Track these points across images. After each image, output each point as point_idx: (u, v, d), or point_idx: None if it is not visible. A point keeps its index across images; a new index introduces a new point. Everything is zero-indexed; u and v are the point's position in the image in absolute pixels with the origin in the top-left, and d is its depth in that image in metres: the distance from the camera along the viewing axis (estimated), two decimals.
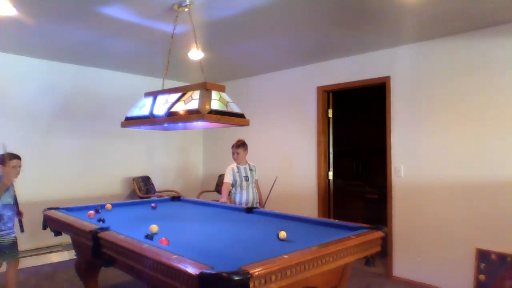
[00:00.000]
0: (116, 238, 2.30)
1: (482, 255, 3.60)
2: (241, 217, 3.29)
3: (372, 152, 6.18)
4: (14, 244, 3.33)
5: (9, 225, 3.31)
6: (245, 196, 4.14)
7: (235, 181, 4.12)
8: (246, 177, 4.15)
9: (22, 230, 3.48)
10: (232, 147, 4.21)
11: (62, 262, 4.79)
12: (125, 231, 2.45)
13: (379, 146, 4.73)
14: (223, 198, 4.01)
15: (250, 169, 4.23)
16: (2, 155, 3.35)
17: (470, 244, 3.68)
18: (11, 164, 3.29)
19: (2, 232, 3.26)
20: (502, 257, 3.49)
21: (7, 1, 3.02)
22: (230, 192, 4.16)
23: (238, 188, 4.14)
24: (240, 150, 4.17)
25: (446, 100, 3.90)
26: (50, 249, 4.80)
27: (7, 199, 3.34)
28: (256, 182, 4.32)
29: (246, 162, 4.25)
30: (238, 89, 5.91)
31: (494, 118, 3.59)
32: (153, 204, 3.80)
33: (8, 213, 3.32)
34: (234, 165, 4.20)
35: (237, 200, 4.14)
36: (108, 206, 3.65)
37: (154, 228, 2.53)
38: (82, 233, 2.67)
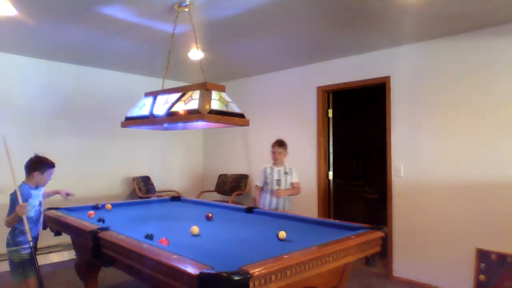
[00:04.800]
0: (116, 238, 2.30)
1: (482, 255, 3.60)
2: (241, 217, 3.30)
3: (372, 152, 6.17)
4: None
5: (19, 239, 2.90)
6: (273, 201, 3.88)
7: (265, 183, 3.92)
8: (279, 181, 3.90)
9: None
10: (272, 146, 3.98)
11: (62, 262, 4.78)
12: (125, 231, 2.45)
13: (379, 146, 4.73)
14: (257, 203, 3.92)
15: (285, 173, 3.94)
16: (41, 159, 2.95)
17: (470, 244, 3.68)
18: (50, 172, 2.97)
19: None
20: (502, 257, 3.49)
21: (7, 1, 3.02)
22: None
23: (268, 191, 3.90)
24: (280, 149, 3.94)
25: (446, 100, 3.90)
26: (50, 249, 4.78)
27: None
28: (297, 185, 3.96)
29: (283, 164, 3.99)
30: (238, 89, 5.91)
31: (494, 118, 3.59)
32: (209, 214, 3.29)
33: (21, 226, 2.87)
34: (268, 165, 4.00)
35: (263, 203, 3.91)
36: (108, 206, 3.65)
37: (195, 229, 2.51)
38: (82, 233, 2.67)
